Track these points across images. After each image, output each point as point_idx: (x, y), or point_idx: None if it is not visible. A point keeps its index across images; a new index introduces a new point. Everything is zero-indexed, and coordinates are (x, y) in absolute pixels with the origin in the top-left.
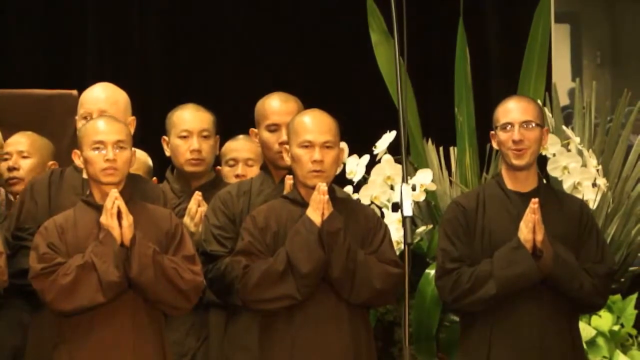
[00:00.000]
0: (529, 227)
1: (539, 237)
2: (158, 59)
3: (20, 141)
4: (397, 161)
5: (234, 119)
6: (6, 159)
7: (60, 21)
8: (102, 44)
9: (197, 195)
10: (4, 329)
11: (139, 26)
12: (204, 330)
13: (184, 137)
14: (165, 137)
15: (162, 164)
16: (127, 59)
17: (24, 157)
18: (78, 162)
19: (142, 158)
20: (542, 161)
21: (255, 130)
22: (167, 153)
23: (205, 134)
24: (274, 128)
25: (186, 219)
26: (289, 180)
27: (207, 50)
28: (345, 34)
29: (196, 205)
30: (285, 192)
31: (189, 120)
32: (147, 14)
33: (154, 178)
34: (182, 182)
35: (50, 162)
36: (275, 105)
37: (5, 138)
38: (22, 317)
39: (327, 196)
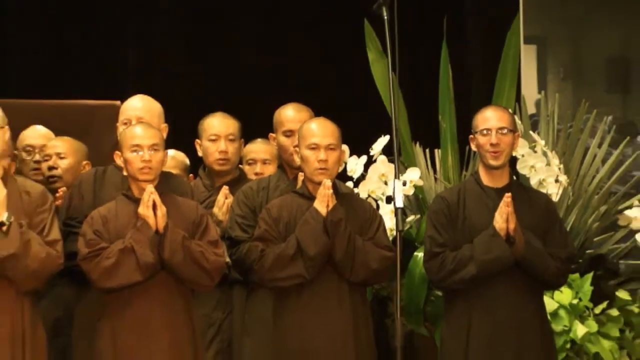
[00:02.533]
0: (503, 218)
1: (512, 226)
2: (188, 75)
3: (58, 144)
4: (390, 161)
5: (253, 125)
6: (46, 160)
7: (107, 42)
8: (140, 60)
9: (225, 190)
10: (48, 303)
11: (168, 45)
12: (228, 304)
13: (213, 140)
14: (198, 140)
15: (195, 163)
16: (162, 74)
17: (62, 158)
18: (119, 161)
19: (180, 158)
20: (512, 161)
21: (274, 135)
22: (199, 153)
23: (231, 137)
24: (289, 133)
25: (215, 209)
26: (301, 177)
27: (229, 66)
28: (347, 53)
29: (223, 198)
30: (296, 188)
31: (217, 126)
32: (175, 38)
33: (191, 175)
34: (212, 179)
35: (84, 162)
36: (290, 114)
37: None
38: (64, 293)
39: (331, 191)
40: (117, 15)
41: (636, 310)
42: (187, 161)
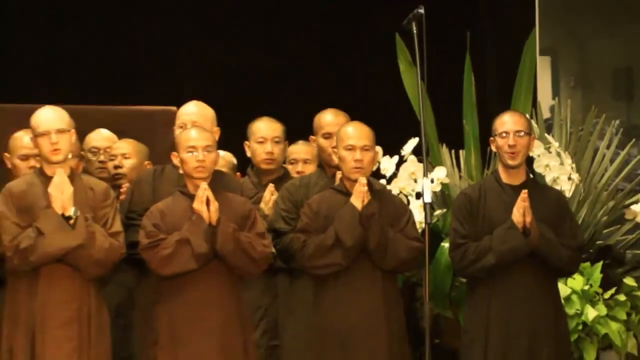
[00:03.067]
0: (520, 212)
1: (528, 219)
2: (238, 82)
3: (123, 146)
4: (419, 161)
5: (296, 128)
6: (112, 160)
7: (166, 52)
8: (196, 69)
9: (270, 187)
10: (111, 288)
11: (222, 55)
12: (273, 289)
13: (261, 142)
14: (246, 142)
15: (242, 163)
16: (217, 82)
17: (126, 158)
18: (176, 161)
19: (228, 157)
20: (529, 160)
21: (314, 137)
22: (248, 154)
23: (276, 139)
24: (327, 136)
25: (262, 204)
26: (339, 175)
27: (276, 75)
28: (380, 64)
29: (269, 194)
30: (334, 185)
31: (264, 129)
32: (231, 53)
33: (238, 173)
34: (259, 177)
35: (146, 162)
36: (328, 118)
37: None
38: (126, 279)
39: (366, 187)
40: (172, 27)
41: None
42: (235, 160)
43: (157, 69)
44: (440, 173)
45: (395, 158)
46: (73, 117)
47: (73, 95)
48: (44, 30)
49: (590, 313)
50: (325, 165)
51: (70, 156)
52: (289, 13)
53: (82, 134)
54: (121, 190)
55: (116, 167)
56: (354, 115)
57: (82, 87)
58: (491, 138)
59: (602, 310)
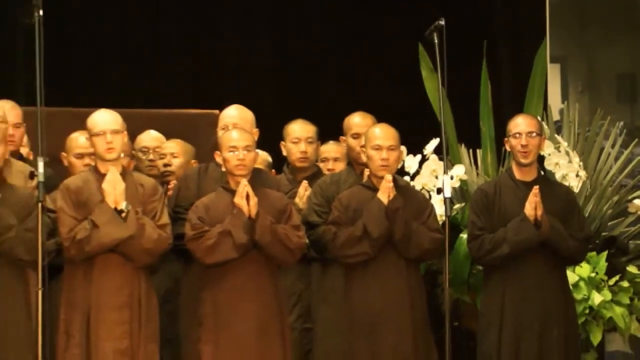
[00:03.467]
0: (532, 206)
1: (539, 212)
2: (274, 85)
3: (172, 145)
4: (440, 159)
5: (327, 129)
6: (162, 158)
7: (205, 57)
8: (236, 75)
9: (304, 183)
10: (160, 276)
11: (261, 62)
12: (307, 277)
13: (295, 142)
14: (282, 142)
15: (277, 162)
16: (256, 86)
17: (175, 157)
18: (218, 160)
19: (264, 156)
20: (540, 159)
21: (344, 137)
22: (284, 153)
23: (310, 140)
24: (356, 136)
25: (297, 199)
26: (366, 173)
27: (309, 80)
28: (405, 71)
29: (304, 190)
30: (363, 181)
31: (299, 131)
32: (269, 60)
33: (273, 170)
34: (294, 174)
35: (192, 161)
36: (357, 120)
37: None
38: (173, 267)
39: (391, 184)
40: (214, 36)
41: None
42: (270, 159)
43: (200, 75)
44: (459, 170)
45: (418, 157)
46: (125, 120)
47: (124, 99)
48: (96, 39)
49: (596, 298)
50: (354, 163)
51: (122, 155)
52: (322, 24)
53: (133, 135)
54: (169, 186)
55: (165, 165)
56: (380, 118)
57: (132, 92)
58: (505, 138)
59: (607, 295)
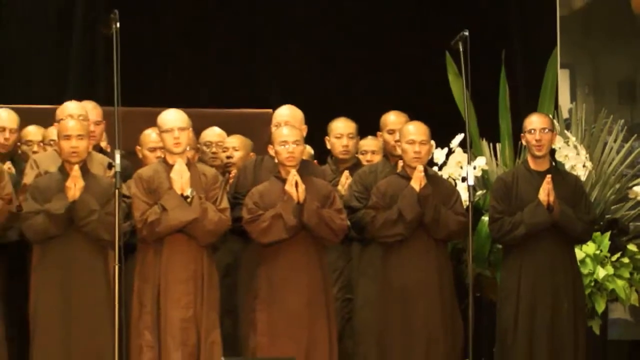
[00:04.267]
0: (545, 192)
1: (551, 198)
2: (321, 89)
3: (233, 140)
4: (464, 152)
5: (365, 125)
6: (224, 151)
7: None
8: (289, 78)
9: (346, 173)
10: (221, 253)
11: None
12: (348, 254)
13: (338, 137)
14: (327, 137)
15: (324, 154)
16: (305, 88)
17: (235, 150)
18: (271, 152)
19: (307, 149)
20: (552, 151)
21: (380, 133)
22: (328, 147)
23: (350, 135)
24: (391, 132)
25: (339, 187)
26: (400, 164)
27: (349, 85)
28: (434, 75)
29: (345, 179)
30: (397, 171)
31: (341, 127)
32: (315, 66)
33: (315, 161)
34: (337, 165)
35: (251, 153)
36: (392, 118)
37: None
38: (233, 246)
39: (423, 173)
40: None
41: None
42: (312, 151)
43: (257, 78)
44: (481, 162)
45: (445, 150)
46: (191, 118)
47: (191, 99)
48: (166, 47)
49: (600, 272)
50: (389, 155)
51: (188, 148)
52: (362, 37)
53: (198, 131)
54: (230, 175)
55: (228, 157)
56: (412, 116)
57: (198, 93)
58: (522, 134)
59: (610, 270)
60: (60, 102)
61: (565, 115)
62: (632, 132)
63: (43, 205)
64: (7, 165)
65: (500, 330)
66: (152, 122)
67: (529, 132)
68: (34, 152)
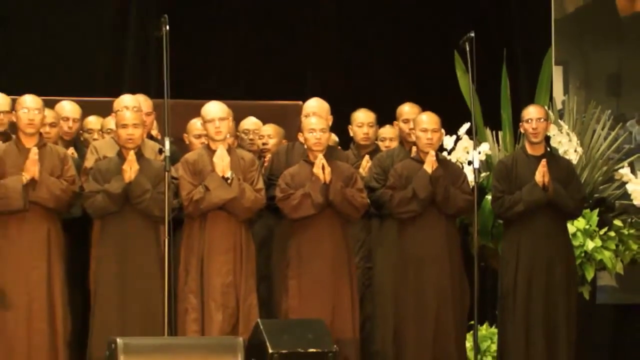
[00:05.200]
0: (541, 174)
1: (546, 179)
2: (345, 83)
3: (268, 129)
4: (470, 139)
5: (384, 115)
6: (260, 138)
7: (293, 59)
8: (317, 73)
9: (367, 157)
10: (258, 227)
11: (334, 63)
12: (368, 228)
13: (359, 126)
14: (350, 125)
15: (348, 140)
16: (331, 83)
17: (270, 138)
18: (301, 139)
19: (332, 137)
20: (547, 138)
21: (396, 122)
22: (351, 134)
23: (370, 124)
24: (406, 121)
25: (360, 169)
26: (414, 149)
27: (370, 80)
28: (444, 72)
29: (366, 162)
30: (412, 156)
31: (362, 117)
32: (337, 68)
33: (339, 146)
34: (358, 150)
35: (283, 140)
36: (407, 109)
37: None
38: (268, 221)
39: (434, 158)
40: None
41: (626, 232)
42: (337, 139)
43: (289, 73)
44: (484, 147)
45: (454, 137)
46: (231, 109)
47: (232, 92)
48: (210, 46)
49: (590, 244)
50: (404, 142)
51: (228, 136)
52: (383, 39)
53: (237, 120)
54: (265, 159)
55: (264, 144)
56: (425, 107)
57: (238, 86)
58: (520, 123)
59: (598, 242)
60: (117, 95)
61: (559, 106)
62: (617, 121)
63: (103, 186)
64: (71, 150)
65: (502, 294)
66: (197, 113)
67: (527, 121)
68: (94, 140)
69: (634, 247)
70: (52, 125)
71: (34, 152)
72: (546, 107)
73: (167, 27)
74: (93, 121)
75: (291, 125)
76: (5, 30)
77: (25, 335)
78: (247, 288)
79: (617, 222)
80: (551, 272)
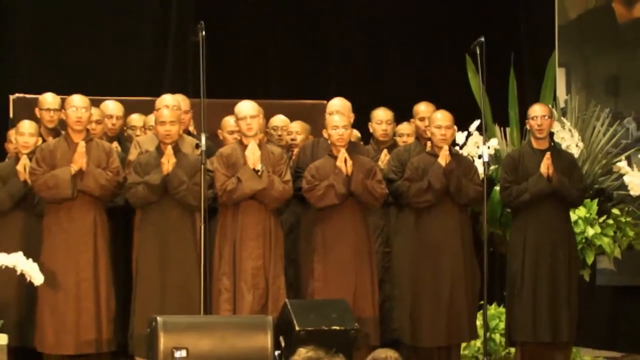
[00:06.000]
0: (545, 166)
1: (550, 171)
2: (366, 84)
3: (296, 125)
4: (480, 134)
5: (401, 113)
6: (289, 134)
7: (319, 62)
8: (340, 75)
9: (385, 152)
10: (286, 215)
11: (356, 64)
12: (387, 216)
13: (379, 123)
14: (370, 123)
15: (368, 136)
16: (354, 83)
17: (298, 134)
18: (325, 135)
19: (354, 133)
20: (551, 134)
21: (413, 119)
22: (371, 130)
23: (389, 121)
24: (422, 119)
25: (379, 162)
26: (429, 144)
27: (387, 80)
28: (457, 73)
29: (384, 156)
30: (427, 150)
31: (381, 115)
32: (359, 70)
33: (361, 142)
34: (378, 145)
35: (310, 136)
36: (423, 108)
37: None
38: (295, 209)
39: (448, 152)
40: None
41: (623, 220)
42: (359, 134)
43: (314, 75)
44: (493, 142)
45: (465, 133)
46: (262, 107)
47: (264, 92)
48: (243, 50)
49: (590, 231)
50: (420, 137)
51: (259, 132)
52: (401, 45)
53: (267, 118)
54: (292, 153)
55: (292, 139)
56: (439, 105)
57: (268, 87)
58: (526, 120)
59: (598, 229)
60: (158, 95)
61: (562, 105)
62: (615, 119)
63: (143, 178)
64: (114, 145)
65: (510, 277)
66: (231, 111)
67: (532, 118)
68: (137, 135)
69: (631, 233)
70: (97, 122)
71: (81, 146)
72: (550, 106)
73: (203, 33)
74: (136, 118)
75: (316, 122)
76: (59, 38)
77: (74, 313)
78: (276, 271)
79: (615, 211)
80: (555, 256)
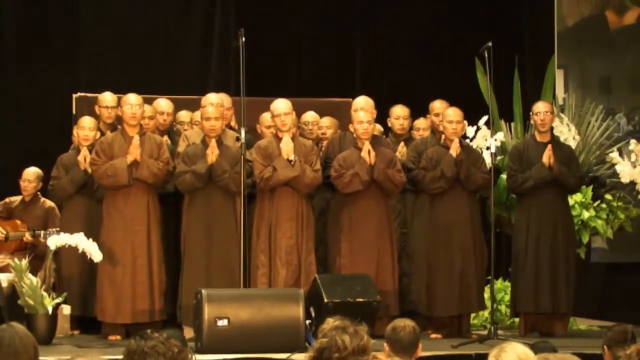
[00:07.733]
0: (547, 157)
1: (552, 160)
2: (386, 83)
3: (325, 121)
4: (488, 128)
5: (418, 109)
6: (319, 129)
7: (345, 62)
8: (364, 74)
9: (402, 144)
10: (316, 200)
11: (378, 66)
12: (405, 200)
13: (397, 119)
14: (389, 118)
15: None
16: (376, 83)
17: (328, 128)
18: (352, 129)
19: (378, 127)
20: (551, 128)
21: (428, 115)
22: (389, 125)
23: (406, 117)
24: (437, 114)
25: (397, 154)
26: (442, 137)
27: (409, 80)
28: (467, 74)
29: (402, 148)
30: (441, 143)
31: (399, 111)
32: (381, 70)
33: (383, 135)
34: (396, 138)
35: (338, 130)
36: (437, 105)
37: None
38: (325, 195)
39: (458, 144)
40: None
41: (615, 204)
42: (382, 128)
43: (340, 75)
44: (500, 136)
45: (475, 127)
46: (294, 105)
47: (296, 91)
48: (278, 52)
49: (585, 214)
50: (435, 131)
51: (292, 127)
52: (420, 48)
53: (299, 114)
54: (322, 145)
55: (323, 133)
56: (451, 102)
57: (300, 86)
58: (530, 115)
59: (592, 212)
60: (204, 94)
61: (561, 102)
62: (608, 114)
63: (190, 167)
64: (165, 138)
65: (514, 254)
66: (267, 108)
67: (536, 114)
68: (185, 130)
69: (622, 216)
70: (150, 117)
71: (136, 139)
72: (551, 103)
73: (244, 39)
74: (184, 114)
75: (343, 118)
76: (117, 43)
77: (130, 286)
78: (307, 249)
79: (608, 196)
80: (555, 236)
